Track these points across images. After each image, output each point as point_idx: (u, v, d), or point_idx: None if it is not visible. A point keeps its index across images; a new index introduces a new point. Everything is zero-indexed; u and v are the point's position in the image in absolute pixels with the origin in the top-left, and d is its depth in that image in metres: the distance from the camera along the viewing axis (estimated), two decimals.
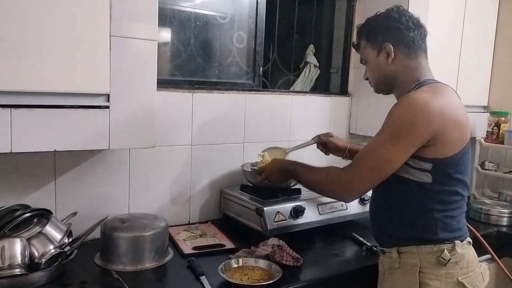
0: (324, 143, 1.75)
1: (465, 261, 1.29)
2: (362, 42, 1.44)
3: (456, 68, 2.31)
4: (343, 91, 2.42)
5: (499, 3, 2.51)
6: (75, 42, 1.20)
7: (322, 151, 1.78)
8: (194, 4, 1.94)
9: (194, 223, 1.85)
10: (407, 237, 1.32)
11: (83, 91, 1.24)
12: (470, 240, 1.36)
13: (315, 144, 1.77)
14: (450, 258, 1.26)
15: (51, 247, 1.26)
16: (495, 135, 2.37)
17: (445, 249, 1.27)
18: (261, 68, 2.14)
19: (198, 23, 1.95)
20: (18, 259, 1.20)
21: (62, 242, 1.32)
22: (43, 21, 1.15)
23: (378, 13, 1.42)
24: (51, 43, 1.17)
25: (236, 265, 1.38)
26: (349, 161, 1.50)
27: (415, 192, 1.29)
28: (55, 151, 1.26)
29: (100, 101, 1.28)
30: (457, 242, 1.29)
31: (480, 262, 1.40)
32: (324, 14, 2.51)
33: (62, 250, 1.29)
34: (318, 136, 1.77)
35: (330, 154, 1.77)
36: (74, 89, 1.22)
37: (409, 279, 1.29)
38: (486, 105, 2.58)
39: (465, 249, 1.31)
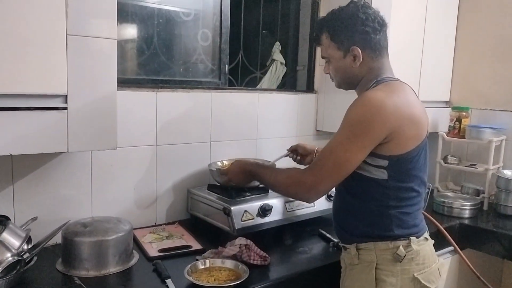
0: (295, 149, 1.83)
1: (420, 257, 1.31)
2: (323, 37, 1.41)
3: (419, 65, 2.36)
4: (309, 88, 2.43)
5: (459, 1, 2.57)
6: (28, 41, 1.15)
7: (295, 160, 1.85)
8: (157, 0, 1.89)
9: (161, 225, 1.82)
10: (365, 234, 1.34)
11: (38, 92, 1.19)
12: (427, 236, 1.38)
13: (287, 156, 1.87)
14: (405, 255, 1.28)
15: (8, 255, 1.22)
16: (457, 129, 2.43)
17: (401, 246, 1.29)
18: (227, 66, 2.11)
19: (161, 20, 1.91)
20: None
21: (20, 249, 1.27)
22: None
23: (341, 9, 1.38)
24: (2, 42, 1.11)
25: (202, 267, 1.37)
26: None
27: (371, 188, 1.31)
28: (11, 155, 1.20)
29: (58, 103, 1.24)
30: (413, 238, 1.31)
31: (443, 254, 1.43)
32: (290, 11, 2.51)
33: (20, 258, 1.24)
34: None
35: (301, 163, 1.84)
36: (29, 90, 1.18)
37: (366, 275, 1.31)
38: (448, 100, 2.65)
39: (421, 245, 1.32)
